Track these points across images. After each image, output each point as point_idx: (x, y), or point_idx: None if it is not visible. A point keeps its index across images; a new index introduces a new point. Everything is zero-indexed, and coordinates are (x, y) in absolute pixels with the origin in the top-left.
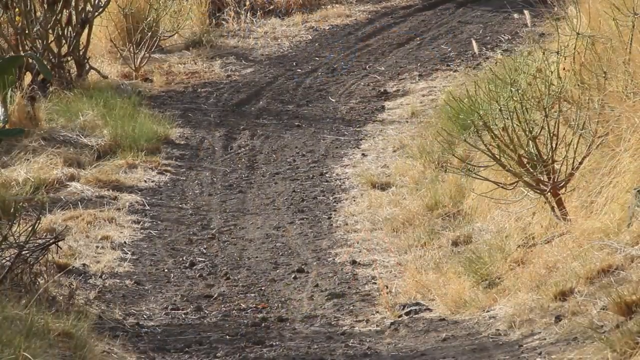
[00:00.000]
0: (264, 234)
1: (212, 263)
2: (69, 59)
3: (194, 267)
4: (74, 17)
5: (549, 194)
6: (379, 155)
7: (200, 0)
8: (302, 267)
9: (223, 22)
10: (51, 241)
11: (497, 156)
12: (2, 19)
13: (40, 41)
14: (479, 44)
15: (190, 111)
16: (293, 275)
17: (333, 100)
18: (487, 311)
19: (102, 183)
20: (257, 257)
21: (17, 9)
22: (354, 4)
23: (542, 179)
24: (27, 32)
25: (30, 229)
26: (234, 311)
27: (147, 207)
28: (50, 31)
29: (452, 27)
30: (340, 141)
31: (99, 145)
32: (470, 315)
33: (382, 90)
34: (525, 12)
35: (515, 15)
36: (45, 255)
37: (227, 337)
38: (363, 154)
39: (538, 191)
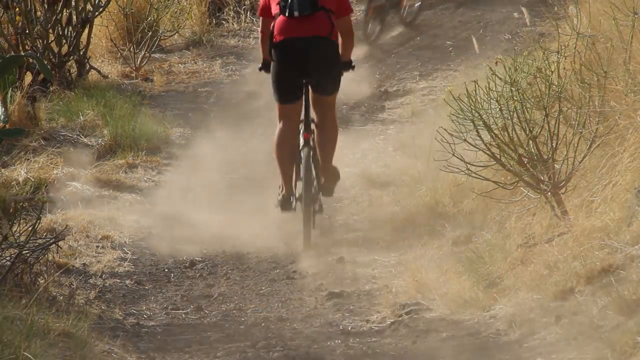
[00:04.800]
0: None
1: (212, 263)
2: (70, 58)
3: (194, 267)
4: (74, 17)
5: (549, 193)
6: (379, 155)
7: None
8: (303, 266)
9: (223, 21)
10: (51, 241)
11: (497, 156)
12: (2, 18)
13: (40, 41)
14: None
15: (191, 111)
16: (293, 275)
17: None
18: (488, 311)
19: (102, 183)
20: (257, 257)
21: (17, 9)
22: (355, 3)
23: (542, 178)
24: (27, 31)
25: (30, 229)
26: (234, 311)
27: (148, 207)
28: (50, 31)
29: (452, 26)
30: (341, 140)
31: (99, 145)
32: (470, 314)
33: (382, 89)
34: (523, 9)
35: (516, 15)
36: (46, 255)
37: (227, 337)
38: (363, 154)
39: (538, 191)
